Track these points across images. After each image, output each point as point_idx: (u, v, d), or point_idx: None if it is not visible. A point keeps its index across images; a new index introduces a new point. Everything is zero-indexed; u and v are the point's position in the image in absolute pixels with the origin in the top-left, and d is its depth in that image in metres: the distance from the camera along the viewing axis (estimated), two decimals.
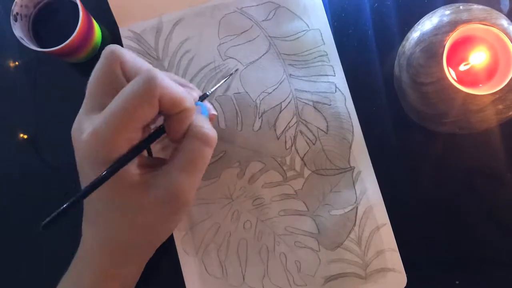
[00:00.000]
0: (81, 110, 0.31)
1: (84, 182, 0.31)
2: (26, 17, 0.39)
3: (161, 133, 0.31)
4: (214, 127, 0.40)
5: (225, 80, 0.39)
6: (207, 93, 0.35)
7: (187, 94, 0.30)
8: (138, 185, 0.30)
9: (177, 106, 0.29)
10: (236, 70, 0.40)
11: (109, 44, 0.42)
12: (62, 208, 0.28)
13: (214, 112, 0.36)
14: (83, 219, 0.33)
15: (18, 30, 0.38)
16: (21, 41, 0.37)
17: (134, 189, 0.30)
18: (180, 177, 0.30)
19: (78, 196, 0.28)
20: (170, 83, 0.29)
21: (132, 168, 0.30)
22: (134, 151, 0.29)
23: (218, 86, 0.37)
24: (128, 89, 0.28)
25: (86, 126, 0.29)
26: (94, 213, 0.32)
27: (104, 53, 0.30)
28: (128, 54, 0.30)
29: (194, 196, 0.35)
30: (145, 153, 0.32)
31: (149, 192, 0.30)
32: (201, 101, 0.34)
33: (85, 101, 0.31)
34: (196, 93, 0.34)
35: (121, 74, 0.30)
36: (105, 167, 0.28)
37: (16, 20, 0.38)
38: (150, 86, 0.27)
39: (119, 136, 0.28)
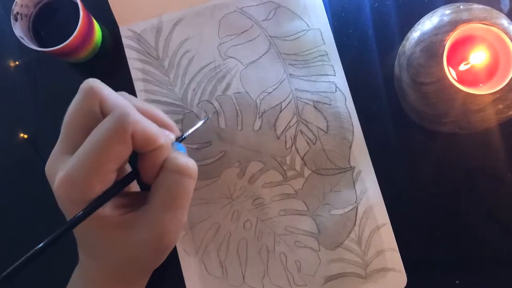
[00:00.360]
0: (55, 148, 0.29)
1: (66, 216, 0.30)
2: (27, 16, 0.39)
3: (135, 177, 0.30)
4: (214, 127, 0.40)
5: (202, 124, 0.36)
6: (184, 135, 0.34)
7: (161, 131, 0.29)
8: (120, 225, 0.29)
9: (150, 144, 0.28)
10: (207, 118, 0.39)
11: (109, 43, 0.42)
12: (24, 258, 0.26)
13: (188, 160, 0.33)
14: (77, 243, 0.32)
15: (18, 30, 0.38)
16: (21, 40, 0.37)
17: (117, 229, 0.29)
18: (163, 217, 0.28)
19: (46, 242, 0.26)
20: (143, 120, 0.28)
21: (109, 211, 0.28)
22: (106, 195, 0.28)
23: (194, 129, 0.35)
24: (99, 129, 0.27)
25: (59, 167, 0.28)
26: (85, 244, 0.31)
27: (82, 88, 0.28)
28: (107, 90, 0.29)
29: (180, 235, 0.33)
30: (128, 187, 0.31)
31: (132, 232, 0.29)
32: (178, 141, 0.33)
33: (60, 139, 0.29)
34: (175, 133, 0.32)
35: (99, 112, 0.28)
36: (80, 208, 0.27)
37: (16, 20, 0.38)
38: (122, 123, 0.26)
39: (93, 179, 0.27)
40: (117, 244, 0.29)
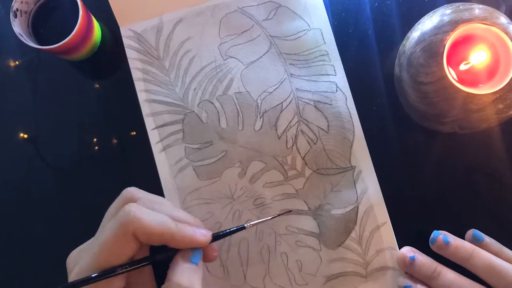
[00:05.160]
0: (84, 246, 0.32)
1: None
2: (26, 13, 0.39)
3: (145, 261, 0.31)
4: (215, 127, 0.40)
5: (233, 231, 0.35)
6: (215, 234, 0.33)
7: (165, 224, 0.30)
8: None
9: (155, 239, 0.29)
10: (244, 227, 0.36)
11: (108, 41, 0.42)
12: None
13: (210, 257, 0.33)
14: None
15: (17, 27, 0.37)
16: (20, 37, 0.37)
17: None
18: None
19: None
20: (147, 217, 0.29)
21: None
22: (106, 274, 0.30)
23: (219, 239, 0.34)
24: (105, 233, 0.29)
25: (78, 262, 0.31)
26: None
27: (120, 217, 0.30)
28: (145, 218, 0.29)
29: None
30: None
31: None
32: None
33: (93, 249, 0.30)
34: (203, 236, 0.32)
35: (134, 241, 0.30)
36: None
37: (15, 16, 0.38)
38: (124, 223, 0.29)
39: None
40: None
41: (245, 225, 0.34)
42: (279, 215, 0.38)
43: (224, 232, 0.34)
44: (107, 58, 0.42)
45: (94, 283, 0.29)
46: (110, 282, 0.30)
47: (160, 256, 0.31)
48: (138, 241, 0.30)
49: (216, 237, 0.33)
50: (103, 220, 0.32)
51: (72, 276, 0.30)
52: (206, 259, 0.33)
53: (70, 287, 0.29)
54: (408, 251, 0.38)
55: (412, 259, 0.37)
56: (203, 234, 0.31)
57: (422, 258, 0.37)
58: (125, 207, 0.29)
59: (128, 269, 0.30)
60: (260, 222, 0.36)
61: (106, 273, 0.29)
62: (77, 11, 0.37)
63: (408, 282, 0.37)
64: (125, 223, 0.29)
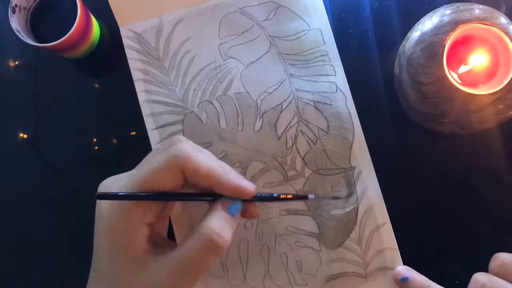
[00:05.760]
0: (124, 174, 0.33)
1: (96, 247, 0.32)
2: (25, 9, 0.39)
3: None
4: (215, 127, 0.40)
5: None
6: (263, 195, 0.32)
7: (215, 164, 0.30)
8: (137, 262, 0.30)
9: (202, 179, 0.29)
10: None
11: (107, 39, 0.42)
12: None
13: (253, 214, 0.33)
14: (89, 277, 0.33)
15: (15, 23, 0.37)
16: (17, 34, 0.36)
17: (133, 265, 0.30)
18: (173, 276, 0.29)
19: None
20: (198, 155, 0.29)
21: (142, 240, 0.30)
22: (170, 196, 0.30)
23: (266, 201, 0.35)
24: (154, 160, 0.30)
25: (112, 187, 0.32)
26: (99, 272, 0.32)
27: (174, 150, 0.30)
28: (198, 156, 0.29)
29: None
30: (157, 233, 0.33)
31: (142, 275, 0.29)
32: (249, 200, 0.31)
33: (139, 172, 0.30)
34: (250, 186, 0.30)
35: (181, 175, 0.30)
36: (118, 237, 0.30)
37: (14, 12, 0.37)
38: (176, 156, 0.29)
39: (136, 205, 0.30)
40: (130, 278, 0.30)
41: (309, 196, 0.33)
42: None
43: (277, 194, 0.33)
44: (105, 56, 0.42)
45: (131, 207, 0.29)
46: (146, 212, 0.30)
47: (204, 197, 0.31)
48: (184, 177, 0.30)
49: (264, 197, 0.33)
50: (146, 157, 0.32)
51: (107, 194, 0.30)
52: (248, 215, 0.32)
53: (109, 197, 0.30)
54: (402, 269, 0.38)
55: (404, 280, 0.37)
56: (248, 184, 0.30)
57: (415, 277, 0.37)
58: (177, 144, 0.30)
59: (178, 197, 0.30)
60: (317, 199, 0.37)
61: (157, 196, 0.29)
62: (76, 8, 0.37)
63: (404, 273, 0.37)
64: (176, 156, 0.29)
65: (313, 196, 0.33)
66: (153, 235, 0.31)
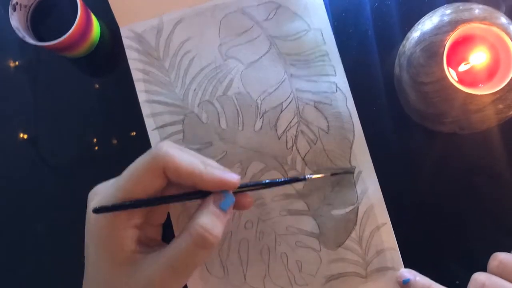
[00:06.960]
0: (111, 180, 0.32)
1: (87, 253, 0.32)
2: (26, 7, 0.39)
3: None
4: (215, 127, 0.40)
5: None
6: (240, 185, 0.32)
7: (195, 161, 0.30)
8: (126, 264, 0.30)
9: (184, 178, 0.29)
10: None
11: (107, 38, 0.42)
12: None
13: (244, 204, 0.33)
14: (83, 279, 0.33)
15: (15, 21, 0.37)
16: (17, 32, 0.36)
17: (122, 267, 0.30)
18: (163, 273, 0.29)
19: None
20: (178, 154, 0.29)
21: (130, 242, 0.30)
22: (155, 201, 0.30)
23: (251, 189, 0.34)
24: (134, 165, 0.30)
25: (100, 193, 0.31)
26: (92, 277, 0.32)
27: (152, 153, 0.30)
28: (178, 155, 0.30)
29: None
30: (147, 232, 0.33)
31: (132, 276, 0.30)
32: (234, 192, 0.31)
33: (120, 179, 0.31)
34: (233, 178, 0.31)
35: (162, 177, 0.30)
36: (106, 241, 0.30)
37: (14, 10, 0.37)
38: (155, 157, 0.29)
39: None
40: (121, 281, 0.30)
41: (306, 176, 0.33)
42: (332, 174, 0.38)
43: (264, 182, 0.33)
44: (105, 56, 0.42)
45: (115, 213, 0.29)
46: (131, 215, 0.30)
47: (191, 195, 0.31)
48: (167, 178, 0.30)
49: (255, 185, 0.33)
50: (129, 175, 0.32)
51: (94, 204, 0.30)
52: (241, 206, 0.33)
53: (94, 212, 0.29)
54: (404, 272, 0.38)
55: (406, 283, 0.37)
56: (231, 176, 0.30)
57: (418, 279, 0.37)
58: (157, 144, 0.30)
59: (158, 202, 0.30)
60: (319, 177, 0.37)
61: (137, 203, 0.29)
62: (76, 7, 0.37)
63: (406, 276, 0.37)
64: (156, 157, 0.29)
65: (311, 176, 0.33)
66: (143, 236, 0.32)
